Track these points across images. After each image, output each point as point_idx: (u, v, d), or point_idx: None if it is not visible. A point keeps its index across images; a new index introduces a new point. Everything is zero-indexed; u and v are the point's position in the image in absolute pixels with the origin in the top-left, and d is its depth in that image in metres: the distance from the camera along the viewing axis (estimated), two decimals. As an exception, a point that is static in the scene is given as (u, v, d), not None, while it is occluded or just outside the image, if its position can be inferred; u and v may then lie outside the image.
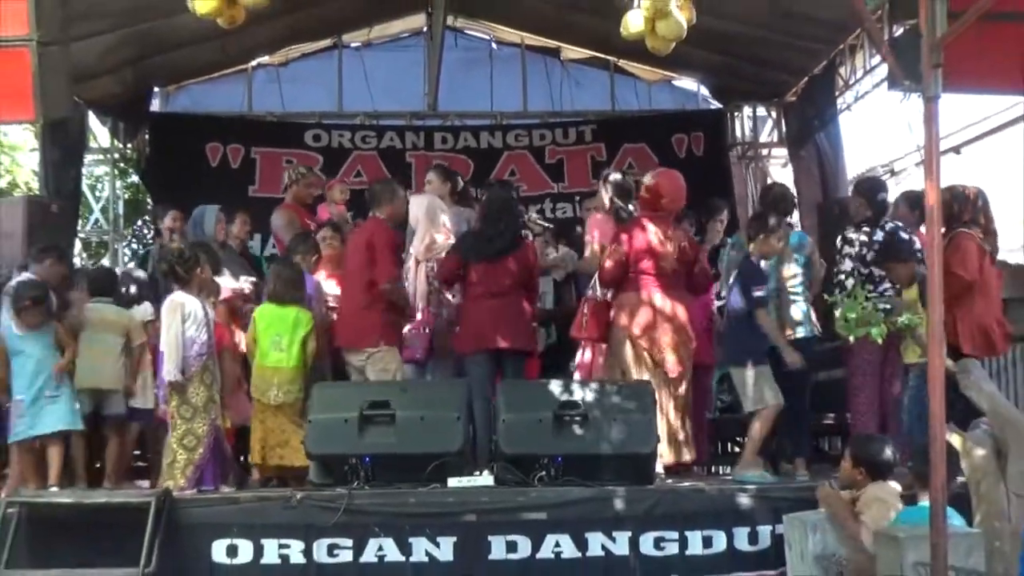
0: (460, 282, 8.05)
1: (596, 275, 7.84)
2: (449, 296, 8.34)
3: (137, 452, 8.36)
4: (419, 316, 8.26)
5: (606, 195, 8.51)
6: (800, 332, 7.60)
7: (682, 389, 7.53)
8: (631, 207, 8.30)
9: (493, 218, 8.12)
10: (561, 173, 13.07)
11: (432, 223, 8.39)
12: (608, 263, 7.64)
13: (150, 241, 12.23)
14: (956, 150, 11.68)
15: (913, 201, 7.91)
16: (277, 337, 7.45)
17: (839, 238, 7.78)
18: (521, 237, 8.30)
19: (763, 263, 7.53)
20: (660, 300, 7.53)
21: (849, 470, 6.08)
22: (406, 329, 8.18)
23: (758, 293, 7.32)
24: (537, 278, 8.36)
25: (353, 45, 13.84)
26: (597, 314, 7.78)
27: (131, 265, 11.06)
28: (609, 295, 7.77)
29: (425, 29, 13.54)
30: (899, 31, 5.93)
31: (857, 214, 7.93)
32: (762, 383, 7.24)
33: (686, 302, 7.70)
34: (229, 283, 8.15)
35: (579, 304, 8.12)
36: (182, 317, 7.03)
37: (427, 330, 8.28)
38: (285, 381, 7.41)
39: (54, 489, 7.04)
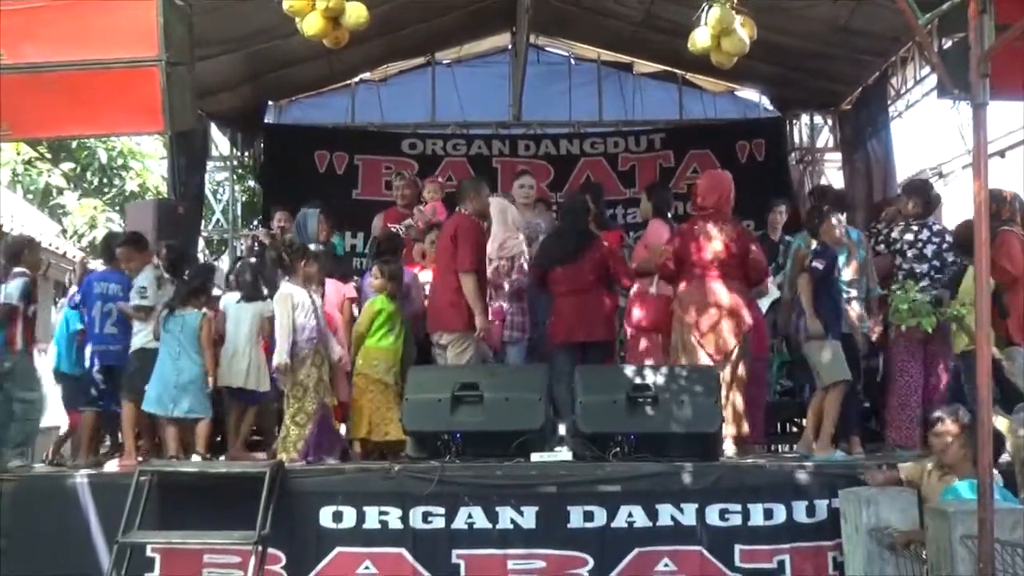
0: (548, 284, 8.05)
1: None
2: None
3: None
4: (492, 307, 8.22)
5: (648, 204, 8.48)
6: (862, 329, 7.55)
7: (730, 369, 7.37)
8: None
9: (563, 220, 8.13)
10: (633, 179, 12.97)
11: (503, 225, 8.38)
12: (660, 261, 7.65)
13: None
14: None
15: (925, 196, 7.75)
16: (390, 324, 7.59)
17: (896, 235, 7.60)
18: (593, 234, 8.20)
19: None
20: (710, 290, 7.42)
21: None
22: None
23: (814, 264, 7.17)
24: (615, 270, 8.10)
25: (445, 62, 13.83)
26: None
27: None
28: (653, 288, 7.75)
29: (510, 47, 13.54)
30: (948, 44, 5.75)
31: (908, 213, 7.75)
32: (838, 358, 7.10)
33: (736, 291, 7.50)
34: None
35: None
36: (292, 306, 7.11)
37: (498, 322, 8.23)
38: (395, 363, 7.55)
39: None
